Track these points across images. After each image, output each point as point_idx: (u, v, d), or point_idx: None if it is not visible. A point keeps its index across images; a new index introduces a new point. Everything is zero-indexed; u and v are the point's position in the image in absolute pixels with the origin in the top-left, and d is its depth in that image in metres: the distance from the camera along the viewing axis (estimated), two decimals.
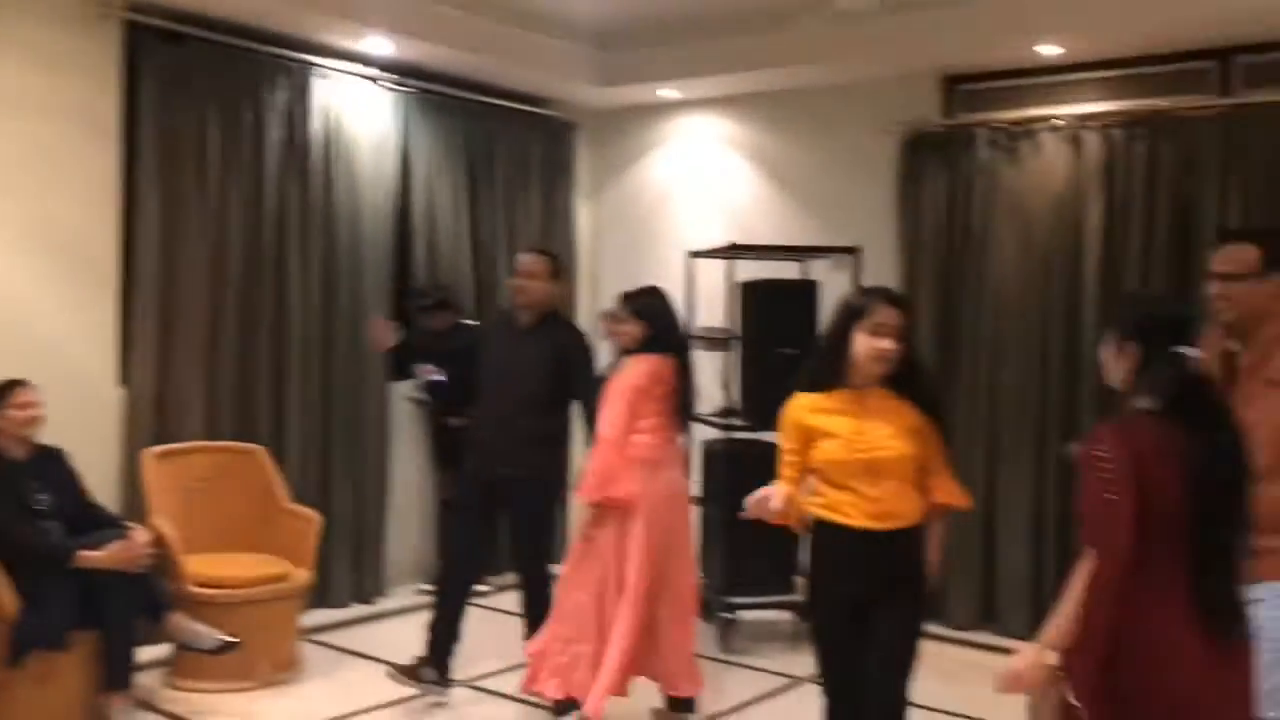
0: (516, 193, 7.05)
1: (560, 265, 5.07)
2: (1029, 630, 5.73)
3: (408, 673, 4.70)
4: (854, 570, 3.17)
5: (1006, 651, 5.57)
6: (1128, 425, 2.49)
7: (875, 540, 3.13)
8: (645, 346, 4.42)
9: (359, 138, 6.18)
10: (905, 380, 3.23)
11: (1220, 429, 2.50)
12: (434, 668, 4.70)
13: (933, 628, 5.88)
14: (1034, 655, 2.46)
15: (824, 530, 3.20)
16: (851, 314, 3.21)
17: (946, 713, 4.74)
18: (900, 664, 3.19)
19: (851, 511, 3.14)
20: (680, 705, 4.50)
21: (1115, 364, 2.60)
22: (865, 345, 3.16)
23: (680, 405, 4.45)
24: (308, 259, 5.97)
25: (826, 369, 3.23)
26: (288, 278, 5.88)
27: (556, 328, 4.87)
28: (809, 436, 3.20)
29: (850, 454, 3.14)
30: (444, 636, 4.70)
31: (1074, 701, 2.37)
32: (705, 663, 5.36)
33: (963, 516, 5.82)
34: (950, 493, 3.28)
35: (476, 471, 4.81)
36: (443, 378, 6.24)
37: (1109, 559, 2.37)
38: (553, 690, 4.32)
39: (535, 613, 4.65)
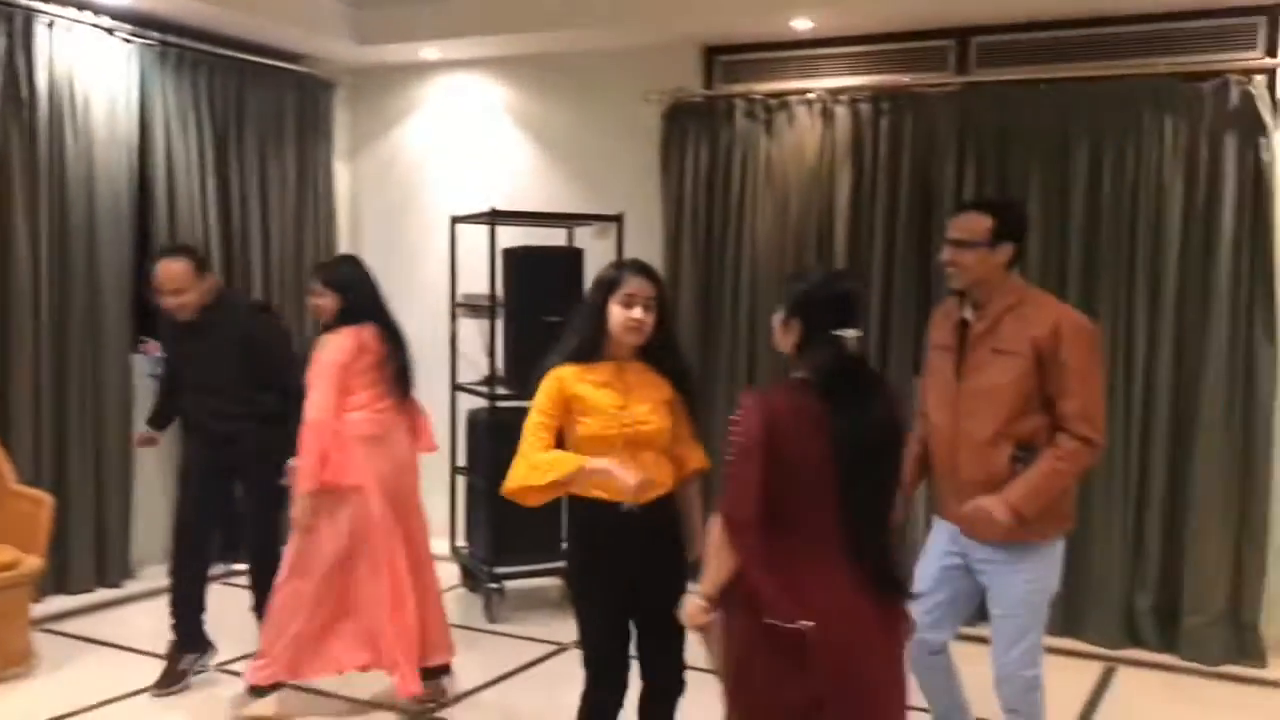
0: (269, 154, 6.73)
1: (200, 255, 4.67)
2: None
3: (172, 678, 4.51)
4: (621, 545, 3.18)
5: None
6: (769, 394, 2.64)
7: (639, 513, 3.16)
8: (342, 318, 4.28)
9: (92, 93, 5.75)
10: (659, 352, 3.27)
11: (869, 401, 2.65)
12: (189, 650, 4.52)
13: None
14: (694, 605, 2.71)
15: (586, 506, 3.18)
16: (605, 286, 3.22)
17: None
18: (678, 633, 3.20)
19: (609, 488, 3.12)
20: (436, 673, 4.44)
21: (781, 336, 2.74)
22: (619, 316, 3.17)
23: (395, 373, 4.32)
24: (35, 224, 5.53)
25: (585, 342, 3.22)
26: (13, 243, 5.43)
27: (224, 317, 4.53)
28: (568, 409, 3.18)
29: (614, 428, 3.15)
30: (186, 610, 4.55)
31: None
32: (472, 634, 5.39)
33: (721, 489, 6.07)
34: (699, 459, 3.36)
35: (198, 452, 4.65)
36: (158, 354, 5.98)
37: (732, 525, 2.55)
38: (263, 679, 4.20)
39: (260, 596, 4.50)
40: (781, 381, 2.71)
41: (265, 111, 6.69)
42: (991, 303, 3.37)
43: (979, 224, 3.37)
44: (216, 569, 6.06)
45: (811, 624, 2.48)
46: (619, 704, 3.24)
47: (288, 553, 4.22)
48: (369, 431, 4.21)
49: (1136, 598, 5.30)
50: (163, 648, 4.70)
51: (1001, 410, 3.28)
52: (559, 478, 3.07)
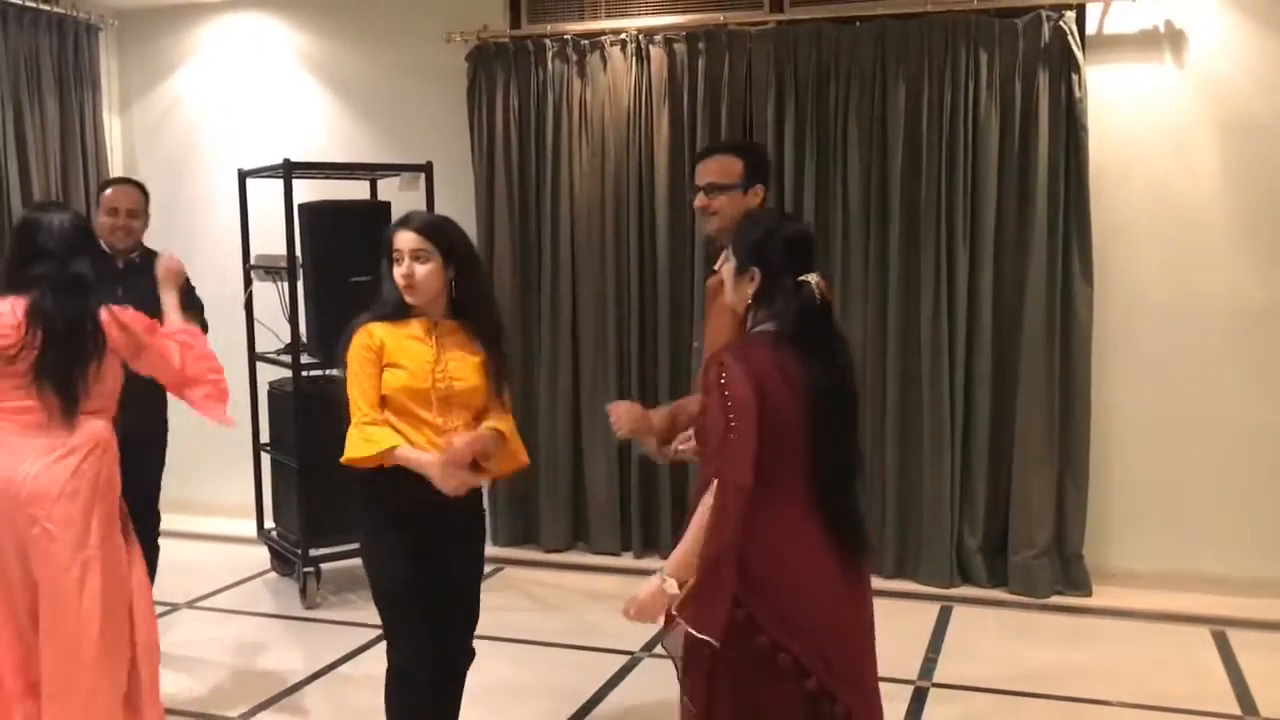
0: (25, 106, 6.02)
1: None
2: (619, 548, 5.84)
3: None
4: (425, 513, 3.00)
5: (598, 570, 5.68)
6: (750, 350, 2.48)
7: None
8: None
9: None
10: (468, 309, 3.12)
11: (834, 350, 2.54)
12: None
13: (525, 553, 5.87)
14: (657, 584, 2.43)
15: (383, 472, 2.98)
16: (386, 246, 3.07)
17: (547, 644, 4.66)
18: (475, 605, 3.19)
19: (420, 443, 2.99)
20: None
21: (736, 286, 2.57)
22: (396, 275, 3.03)
23: (42, 364, 3.14)
24: None
25: (389, 302, 3.07)
26: None
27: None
28: (380, 366, 3.02)
29: (426, 381, 3.01)
30: None
31: (698, 634, 2.35)
32: (289, 623, 5.01)
33: (553, 439, 5.84)
34: (505, 422, 3.14)
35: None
36: None
37: (733, 493, 2.35)
38: None
39: None
40: (749, 336, 2.54)
41: (19, 56, 5.97)
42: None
43: (732, 166, 3.27)
44: None
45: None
46: (423, 669, 3.07)
47: None
48: None
49: (965, 537, 5.34)
50: None
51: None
52: (381, 459, 2.94)
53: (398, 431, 2.99)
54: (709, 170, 3.28)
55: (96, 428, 3.20)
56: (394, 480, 2.99)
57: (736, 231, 2.64)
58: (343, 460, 2.99)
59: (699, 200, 3.26)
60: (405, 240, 3.03)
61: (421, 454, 2.96)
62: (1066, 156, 5.10)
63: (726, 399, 2.38)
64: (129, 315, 3.26)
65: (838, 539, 2.47)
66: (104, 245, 4.26)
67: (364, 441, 2.96)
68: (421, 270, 3.01)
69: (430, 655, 3.09)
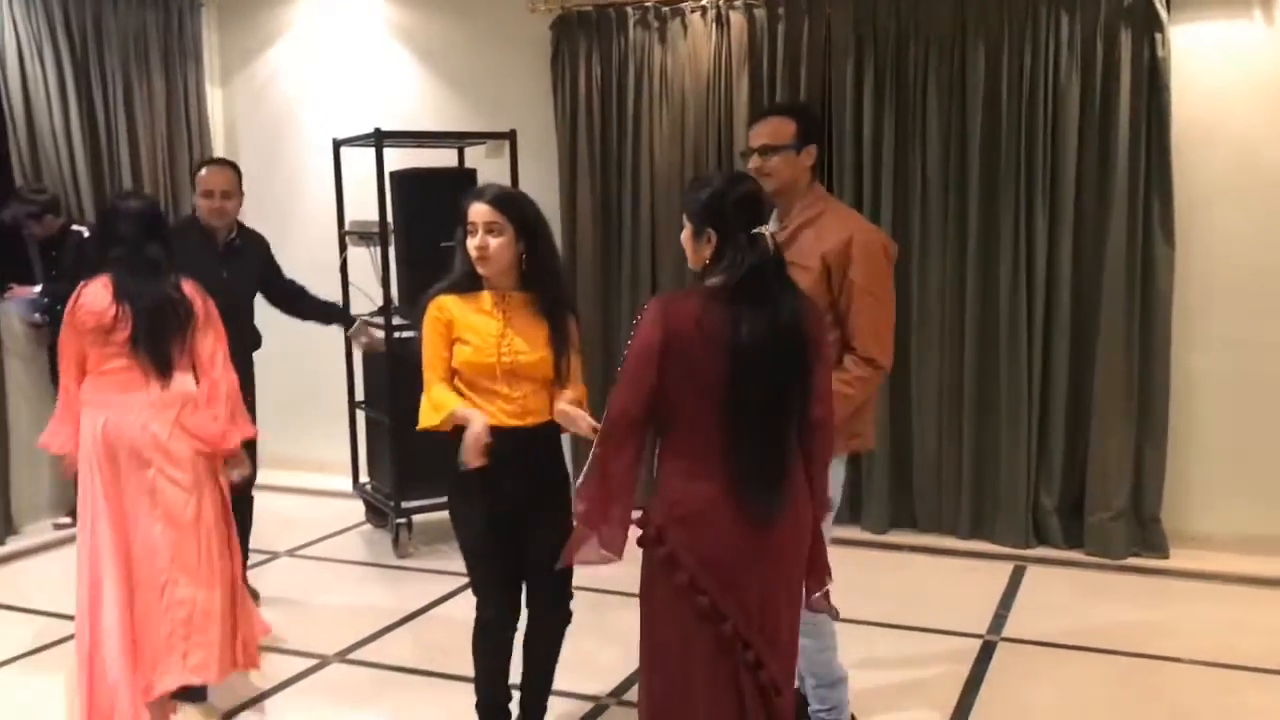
0: (134, 79, 6.32)
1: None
2: None
3: None
4: (504, 471, 3.09)
5: None
6: (675, 299, 2.60)
7: (519, 437, 3.11)
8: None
9: None
10: (537, 282, 3.18)
11: (780, 303, 2.57)
12: None
13: None
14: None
15: (463, 433, 3.07)
16: (460, 219, 3.14)
17: (616, 592, 4.82)
18: (565, 572, 3.17)
19: (494, 413, 3.09)
20: (186, 695, 3.68)
21: (695, 249, 2.64)
22: (470, 247, 3.11)
23: (137, 334, 3.52)
24: None
25: (463, 273, 3.16)
26: None
27: (254, 240, 4.71)
28: (450, 339, 3.13)
29: (491, 355, 3.09)
30: None
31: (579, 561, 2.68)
32: (382, 570, 5.26)
33: None
34: (577, 394, 3.20)
35: None
36: (35, 294, 5.73)
37: (617, 418, 2.57)
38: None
39: None
40: (691, 287, 2.64)
41: (128, 34, 6.27)
42: (792, 214, 3.29)
43: (785, 128, 3.29)
44: None
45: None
46: (508, 625, 3.22)
47: None
48: (92, 399, 3.57)
49: (1041, 498, 5.37)
50: (47, 605, 4.55)
51: None
52: (438, 422, 3.06)
53: (472, 403, 3.08)
54: (762, 133, 3.32)
55: (189, 383, 3.59)
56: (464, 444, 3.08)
57: (687, 196, 2.68)
58: (418, 428, 3.12)
59: (753, 163, 3.30)
60: (479, 213, 3.09)
61: (470, 410, 3.04)
62: (1148, 117, 5.05)
63: (635, 338, 2.56)
64: (213, 308, 3.70)
65: (744, 489, 2.53)
66: (204, 225, 4.56)
67: (431, 410, 3.07)
68: (495, 243, 3.07)
69: (513, 612, 3.23)
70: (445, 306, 3.13)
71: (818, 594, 2.73)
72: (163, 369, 3.54)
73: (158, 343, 3.54)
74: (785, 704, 2.65)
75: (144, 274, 3.58)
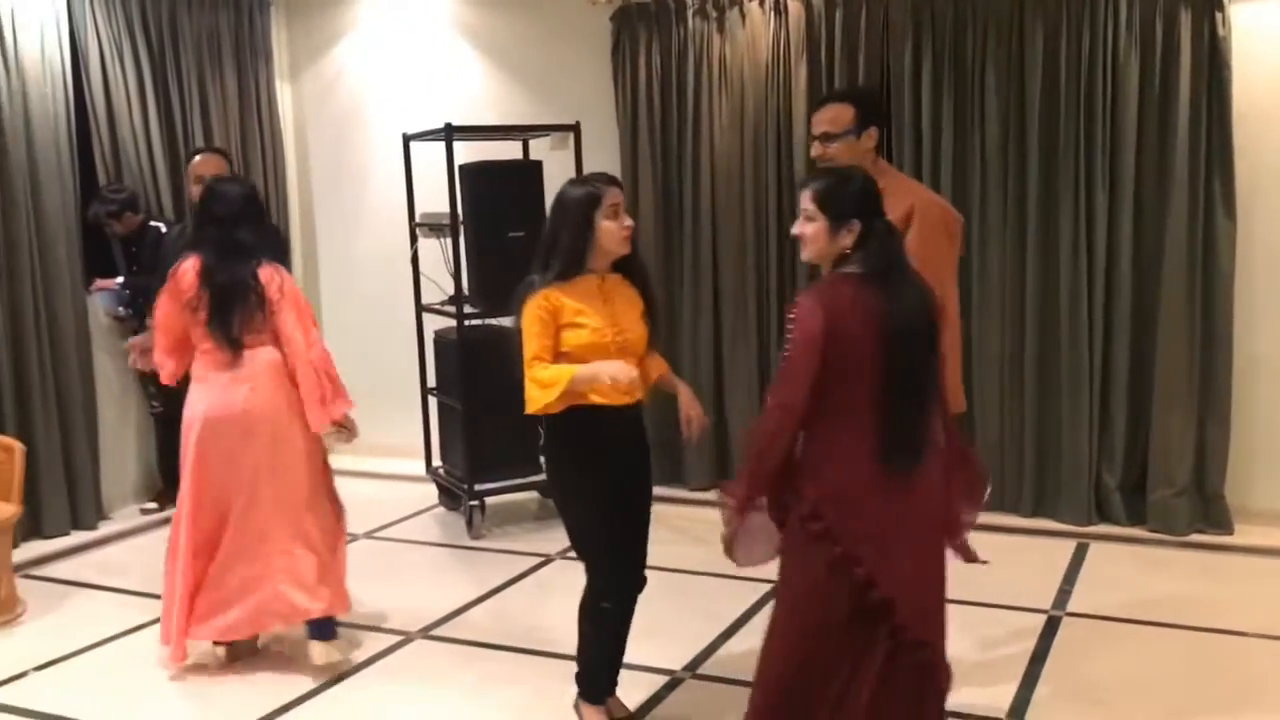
0: (209, 78, 6.53)
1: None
2: None
3: None
4: (616, 448, 3.32)
5: None
6: (825, 291, 2.71)
7: (624, 415, 3.31)
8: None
9: (19, 23, 5.52)
10: (630, 262, 3.38)
11: (913, 289, 2.75)
12: None
13: (671, 491, 6.15)
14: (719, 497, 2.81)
15: (578, 415, 3.25)
16: (589, 202, 3.25)
17: (691, 572, 4.95)
18: (646, 531, 3.47)
19: (607, 392, 3.23)
20: (318, 631, 4.04)
21: (832, 240, 2.74)
22: (611, 229, 3.27)
23: (210, 313, 3.87)
24: None
25: (570, 260, 3.27)
26: None
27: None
28: (555, 327, 3.24)
29: (607, 336, 3.25)
30: None
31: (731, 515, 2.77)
32: (458, 551, 5.44)
33: (695, 382, 6.09)
34: (662, 365, 3.50)
35: None
36: (117, 287, 6.03)
37: (781, 412, 2.68)
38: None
39: None
40: (833, 276, 2.75)
41: (201, 34, 6.48)
42: None
43: (844, 114, 3.45)
44: None
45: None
46: (616, 596, 3.38)
47: None
48: (198, 374, 3.98)
49: (1104, 476, 5.43)
50: (144, 586, 4.75)
51: None
52: (564, 389, 3.15)
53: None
54: (822, 120, 3.49)
55: (269, 357, 3.91)
56: (578, 423, 3.25)
57: (823, 189, 2.75)
58: (528, 412, 3.22)
59: (815, 149, 3.47)
60: (619, 196, 3.27)
61: (592, 366, 3.14)
62: (1209, 98, 5.08)
63: (791, 331, 2.66)
64: (292, 288, 3.97)
65: (894, 462, 2.68)
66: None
67: (541, 390, 3.17)
68: (629, 224, 3.30)
69: (630, 578, 3.40)
70: (550, 297, 3.24)
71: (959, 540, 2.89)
72: (235, 346, 3.88)
73: (226, 322, 3.86)
74: (941, 680, 2.82)
75: (230, 256, 3.86)
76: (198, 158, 4.93)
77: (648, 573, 3.45)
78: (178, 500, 4.03)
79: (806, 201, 2.77)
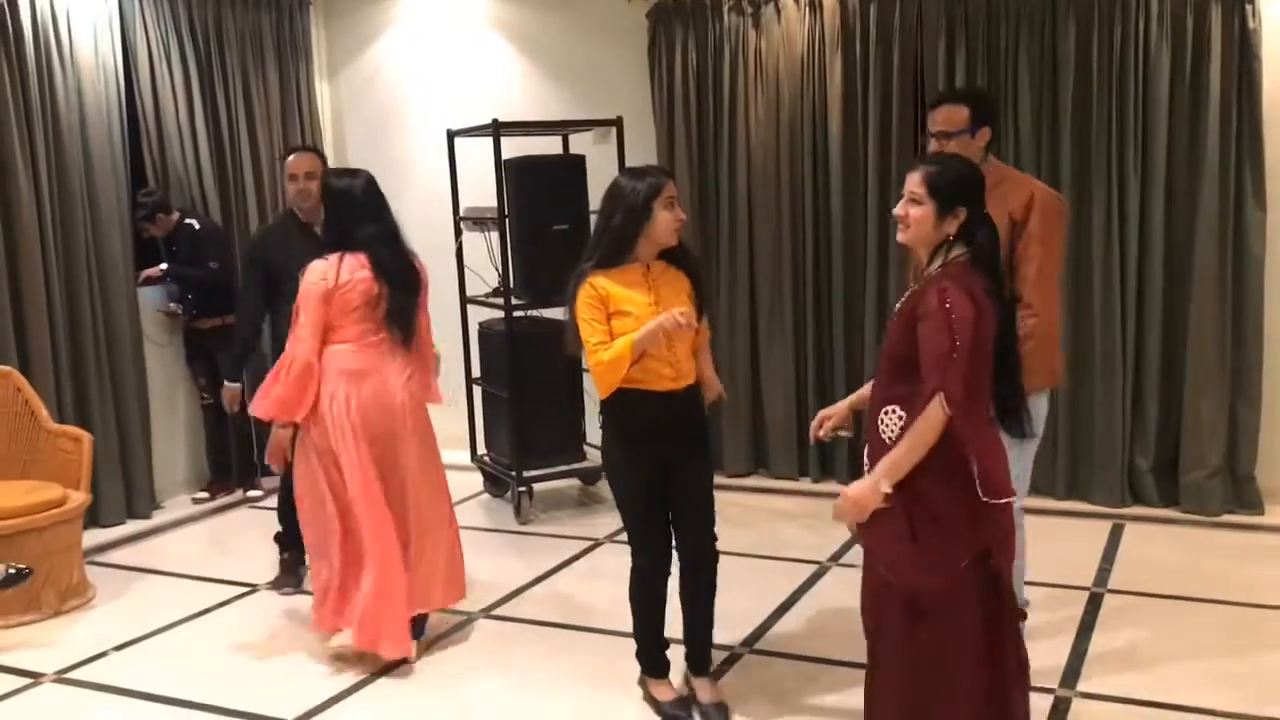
0: (252, 77, 6.67)
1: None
2: (797, 473, 6.22)
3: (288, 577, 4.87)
4: (663, 430, 3.44)
5: (777, 493, 6.08)
6: (960, 280, 2.73)
7: (675, 400, 3.45)
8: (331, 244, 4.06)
9: (74, 24, 5.67)
10: (678, 249, 3.51)
11: (1000, 270, 2.87)
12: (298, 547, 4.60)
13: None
14: (871, 484, 2.72)
15: (627, 398, 3.39)
16: (649, 193, 3.37)
17: (739, 554, 5.08)
18: (710, 509, 3.58)
19: (657, 377, 3.39)
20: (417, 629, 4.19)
21: (937, 226, 2.78)
22: (666, 219, 3.39)
23: (388, 311, 3.98)
24: (34, 162, 5.49)
25: (618, 249, 3.40)
26: (15, 181, 5.39)
27: None
28: (607, 314, 3.37)
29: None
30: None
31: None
32: (507, 536, 5.57)
33: (732, 371, 6.23)
34: (704, 331, 3.62)
35: None
36: (161, 274, 6.16)
37: (951, 406, 2.64)
38: (324, 628, 4.19)
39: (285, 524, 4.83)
40: (953, 264, 2.78)
41: (244, 34, 6.62)
42: None
43: (958, 114, 3.63)
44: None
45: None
46: (663, 571, 3.54)
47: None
48: (348, 366, 3.97)
49: (1136, 458, 5.56)
50: (205, 572, 4.98)
51: None
52: (629, 359, 3.29)
53: (636, 374, 3.35)
54: (937, 120, 3.65)
55: (413, 349, 4.09)
56: (631, 401, 3.39)
57: (932, 175, 2.80)
58: (603, 398, 3.38)
59: (932, 146, 3.63)
60: (674, 188, 3.40)
61: (646, 326, 3.27)
62: (1239, 89, 5.20)
63: (951, 321, 2.64)
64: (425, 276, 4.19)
65: (1010, 429, 2.85)
66: (298, 215, 4.87)
67: (607, 370, 3.30)
68: (682, 217, 3.43)
69: (667, 557, 3.55)
70: (598, 285, 3.37)
71: None
72: (408, 340, 4.05)
73: (408, 317, 4.04)
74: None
75: (392, 246, 4.03)
76: (293, 156, 4.94)
77: None
78: (313, 493, 4.01)
79: (915, 185, 2.78)
